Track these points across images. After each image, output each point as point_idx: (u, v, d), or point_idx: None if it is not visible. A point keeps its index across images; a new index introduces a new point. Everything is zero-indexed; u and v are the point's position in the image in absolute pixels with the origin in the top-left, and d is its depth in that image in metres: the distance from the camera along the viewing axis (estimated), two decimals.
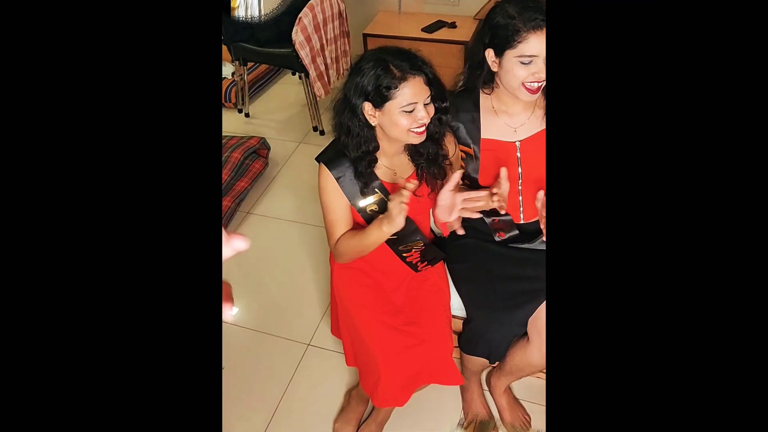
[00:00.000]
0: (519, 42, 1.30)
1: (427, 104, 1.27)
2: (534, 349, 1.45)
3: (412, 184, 1.22)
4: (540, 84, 1.34)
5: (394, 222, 1.21)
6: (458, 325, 1.62)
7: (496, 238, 1.57)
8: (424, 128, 1.28)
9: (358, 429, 1.70)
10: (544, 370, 1.53)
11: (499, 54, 1.35)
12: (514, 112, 1.47)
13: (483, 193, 1.28)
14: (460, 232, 1.35)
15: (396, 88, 1.23)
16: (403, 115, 1.25)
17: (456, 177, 1.27)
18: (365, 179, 1.35)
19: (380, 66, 1.24)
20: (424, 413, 1.73)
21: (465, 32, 2.96)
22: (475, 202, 1.29)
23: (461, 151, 1.50)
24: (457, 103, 1.47)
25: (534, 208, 1.53)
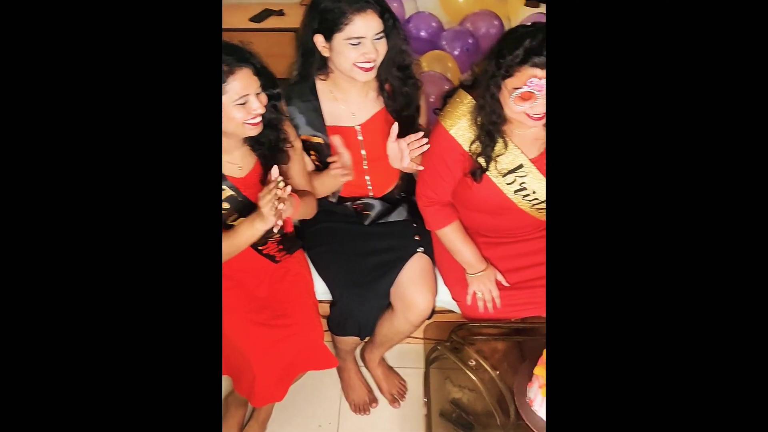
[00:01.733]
0: (346, 24, 1.34)
1: (258, 94, 1.26)
2: (399, 316, 1.52)
3: (277, 175, 1.24)
4: (372, 64, 1.38)
5: (267, 219, 1.24)
6: (326, 309, 1.64)
7: (365, 222, 1.62)
8: (259, 118, 1.27)
9: None
10: (413, 335, 1.62)
11: (329, 38, 1.37)
12: (351, 96, 1.51)
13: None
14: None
15: (224, 82, 1.20)
16: (237, 108, 1.23)
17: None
18: None
19: None
20: (303, 402, 1.74)
21: (294, 19, 2.94)
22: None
23: (308, 141, 1.51)
24: (295, 92, 1.47)
25: (382, 184, 1.60)
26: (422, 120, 1.58)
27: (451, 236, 1.49)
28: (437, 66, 2.15)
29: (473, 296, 1.50)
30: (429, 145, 1.39)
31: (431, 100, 1.88)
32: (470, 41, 2.32)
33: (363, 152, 1.55)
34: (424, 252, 1.55)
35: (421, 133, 1.38)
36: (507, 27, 2.44)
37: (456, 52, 2.30)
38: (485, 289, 1.48)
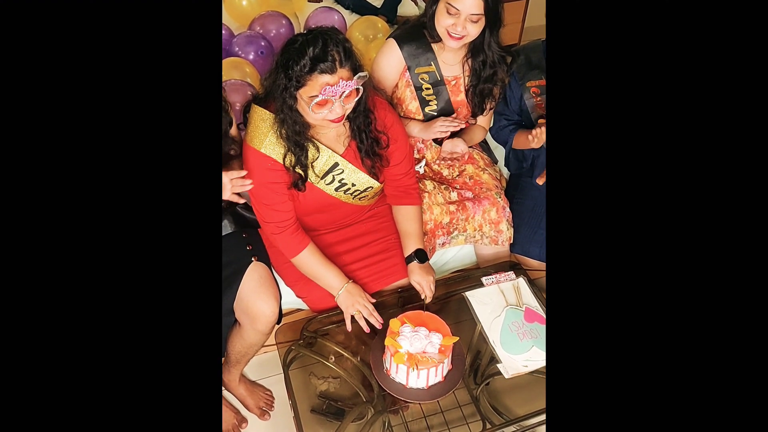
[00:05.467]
0: None
1: None
2: (248, 329, 1.50)
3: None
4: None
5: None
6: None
7: None
8: None
9: None
10: (267, 343, 1.60)
11: None
12: None
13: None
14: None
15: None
16: None
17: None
18: None
19: None
20: None
21: None
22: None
23: None
24: None
25: None
26: (233, 130, 1.55)
27: (309, 261, 1.48)
28: (236, 73, 2.12)
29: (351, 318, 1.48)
30: (251, 181, 1.35)
31: (237, 108, 1.85)
32: (263, 44, 2.32)
33: None
34: (258, 260, 1.54)
35: (245, 172, 1.33)
36: (295, 24, 2.49)
37: (251, 57, 2.29)
38: (360, 307, 1.46)
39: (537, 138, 1.59)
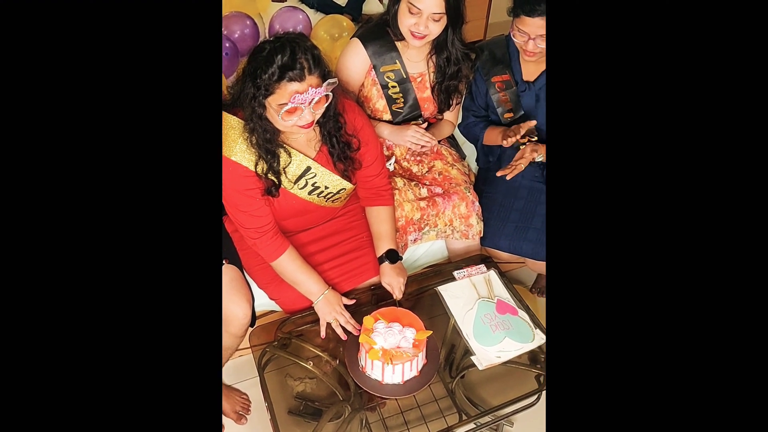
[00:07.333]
0: None
1: None
2: (222, 334, 1.49)
3: None
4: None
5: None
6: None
7: None
8: None
9: None
10: (241, 346, 1.59)
11: None
12: None
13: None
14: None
15: None
16: None
17: None
18: None
19: None
20: None
21: None
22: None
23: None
24: None
25: None
26: None
27: (289, 266, 1.47)
28: None
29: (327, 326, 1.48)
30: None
31: None
32: (228, 45, 2.29)
33: None
34: (230, 262, 1.52)
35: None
36: (260, 25, 2.47)
37: None
38: (337, 315, 1.46)
39: (509, 141, 1.62)
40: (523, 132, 1.62)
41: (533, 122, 1.65)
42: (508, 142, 1.62)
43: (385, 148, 1.79)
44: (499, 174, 1.67)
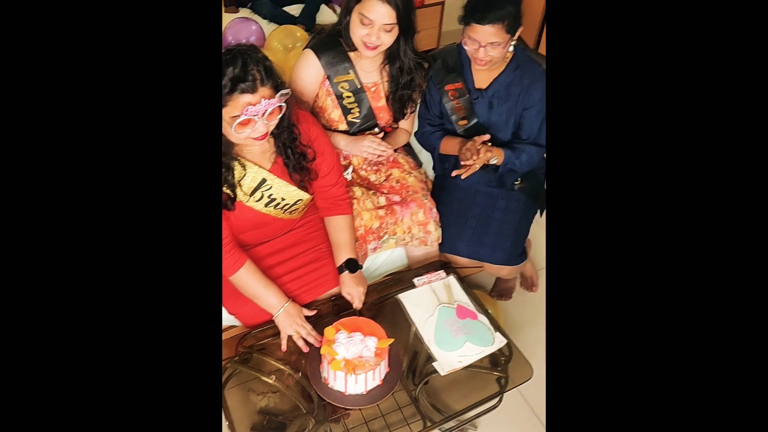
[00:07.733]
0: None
1: None
2: None
3: None
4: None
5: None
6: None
7: None
8: None
9: None
10: None
11: None
12: None
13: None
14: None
15: None
16: None
17: None
18: None
19: None
20: None
21: None
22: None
23: None
24: None
25: None
26: None
27: (247, 280, 1.45)
28: None
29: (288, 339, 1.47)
30: None
31: None
32: None
33: None
34: None
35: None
36: None
37: None
38: (298, 327, 1.45)
39: (469, 171, 1.65)
40: (480, 152, 1.65)
41: (486, 136, 1.69)
42: (468, 172, 1.65)
43: (342, 158, 1.79)
44: (454, 174, 1.69)
